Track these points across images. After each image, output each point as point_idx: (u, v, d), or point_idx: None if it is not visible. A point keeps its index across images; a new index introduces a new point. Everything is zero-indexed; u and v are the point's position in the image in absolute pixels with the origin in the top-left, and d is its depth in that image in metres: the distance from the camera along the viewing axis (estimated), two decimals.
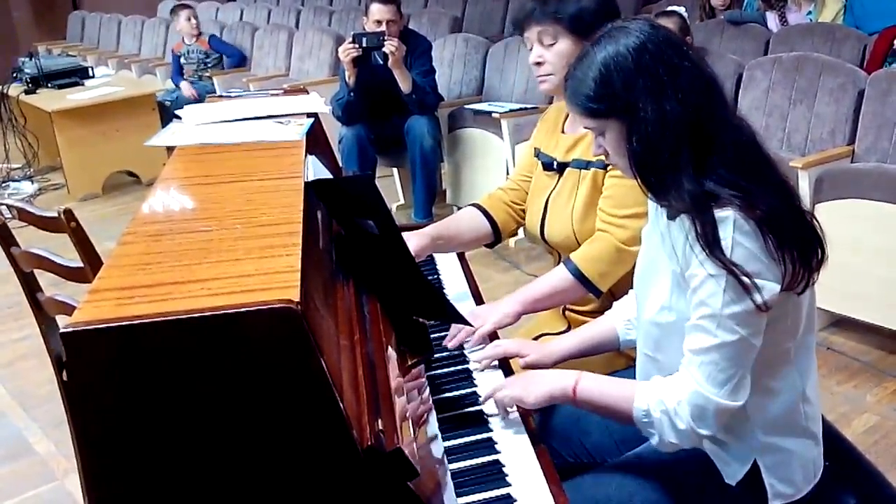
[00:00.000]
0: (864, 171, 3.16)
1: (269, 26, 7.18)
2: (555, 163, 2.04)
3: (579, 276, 1.89)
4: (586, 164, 1.97)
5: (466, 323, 1.79)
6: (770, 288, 1.34)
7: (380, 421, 1.22)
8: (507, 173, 4.44)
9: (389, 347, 1.50)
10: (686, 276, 1.40)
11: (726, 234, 1.33)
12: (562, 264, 1.93)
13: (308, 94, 2.42)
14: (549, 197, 2.06)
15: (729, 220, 1.33)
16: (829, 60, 3.63)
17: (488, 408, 1.63)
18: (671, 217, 1.43)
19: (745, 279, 1.32)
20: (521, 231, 2.23)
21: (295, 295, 1.07)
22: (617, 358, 1.90)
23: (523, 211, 2.19)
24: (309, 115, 2.08)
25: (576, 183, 1.99)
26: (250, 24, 7.35)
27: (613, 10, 1.97)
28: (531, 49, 1.99)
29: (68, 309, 2.33)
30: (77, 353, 1.01)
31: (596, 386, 1.53)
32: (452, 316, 1.71)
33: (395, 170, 5.25)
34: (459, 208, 4.82)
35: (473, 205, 2.23)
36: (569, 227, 1.98)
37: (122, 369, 1.02)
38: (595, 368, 1.88)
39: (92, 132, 5.92)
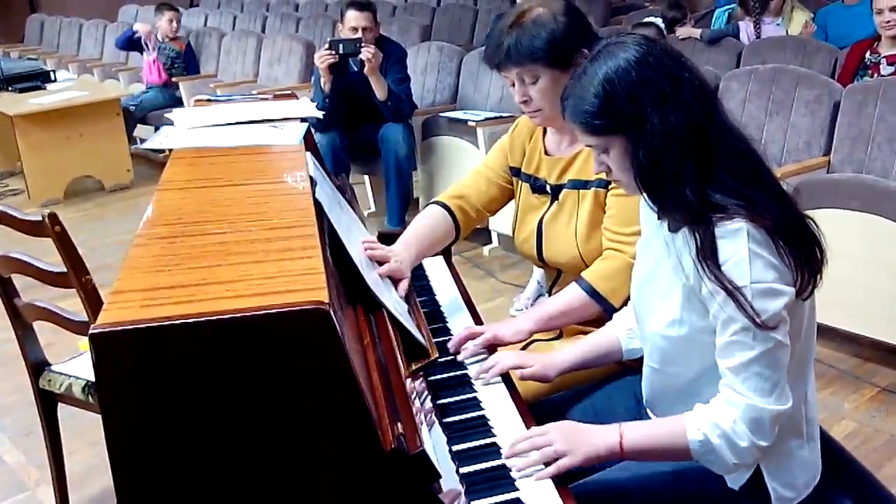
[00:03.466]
0: (841, 181, 3.21)
1: (237, 32, 7.11)
2: (547, 186, 2.01)
3: (593, 293, 1.86)
4: (585, 184, 1.94)
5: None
6: (789, 293, 1.35)
7: (399, 424, 1.20)
8: None
9: (398, 352, 1.49)
10: (706, 292, 1.38)
11: (741, 246, 1.33)
12: (574, 283, 1.90)
13: (297, 98, 2.40)
14: (542, 219, 2.03)
15: (742, 232, 1.34)
16: (805, 72, 3.68)
17: (515, 460, 1.47)
18: (672, 230, 1.44)
19: (744, 296, 1.32)
20: (494, 239, 2.18)
21: (324, 296, 1.06)
22: (616, 368, 1.87)
23: (486, 213, 2.14)
24: (302, 119, 2.07)
25: (575, 203, 1.96)
26: (217, 30, 7.28)
27: (586, 29, 1.91)
28: (513, 86, 1.91)
29: (49, 315, 2.28)
30: (106, 355, 0.98)
31: (642, 433, 1.48)
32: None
33: (366, 177, 5.22)
34: None
35: (439, 203, 2.11)
36: (574, 248, 1.96)
37: (152, 370, 1.00)
38: (593, 378, 1.88)
39: (55, 137, 5.81)
